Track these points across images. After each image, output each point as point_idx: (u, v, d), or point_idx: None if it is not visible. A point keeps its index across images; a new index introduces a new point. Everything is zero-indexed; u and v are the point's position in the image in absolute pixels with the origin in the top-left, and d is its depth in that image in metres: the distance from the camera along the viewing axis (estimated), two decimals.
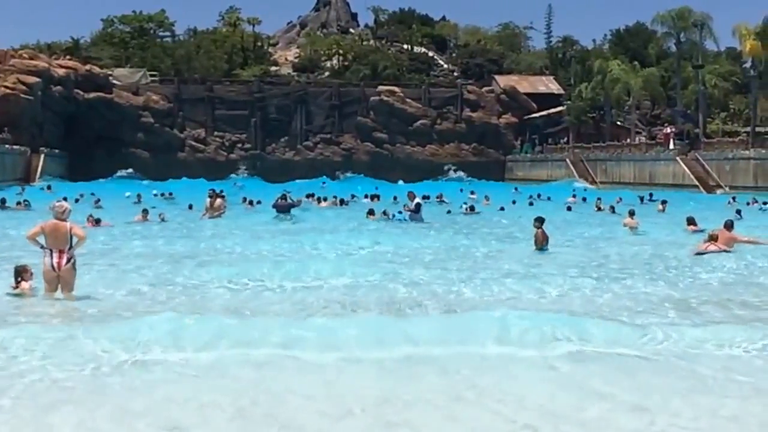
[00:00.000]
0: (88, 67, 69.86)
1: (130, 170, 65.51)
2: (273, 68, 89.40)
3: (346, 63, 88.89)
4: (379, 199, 37.46)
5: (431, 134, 74.41)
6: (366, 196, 39.02)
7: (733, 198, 37.06)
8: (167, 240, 19.54)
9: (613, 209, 30.46)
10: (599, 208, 31.75)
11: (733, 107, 69.09)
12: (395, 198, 37.29)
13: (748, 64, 61.68)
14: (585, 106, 68.57)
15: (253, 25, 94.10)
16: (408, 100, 74.56)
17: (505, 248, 18.16)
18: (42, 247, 10.80)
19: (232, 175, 67.07)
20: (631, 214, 24.07)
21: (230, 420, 6.14)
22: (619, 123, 70.77)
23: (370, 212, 26.69)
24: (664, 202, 31.65)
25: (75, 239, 10.83)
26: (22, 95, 58.88)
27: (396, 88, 75.11)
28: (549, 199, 40.77)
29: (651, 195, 38.93)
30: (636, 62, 67.71)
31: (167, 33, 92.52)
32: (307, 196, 36.77)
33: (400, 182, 63.19)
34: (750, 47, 52.20)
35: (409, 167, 70.38)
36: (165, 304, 10.84)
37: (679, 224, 22.97)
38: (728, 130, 63.68)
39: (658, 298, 11.50)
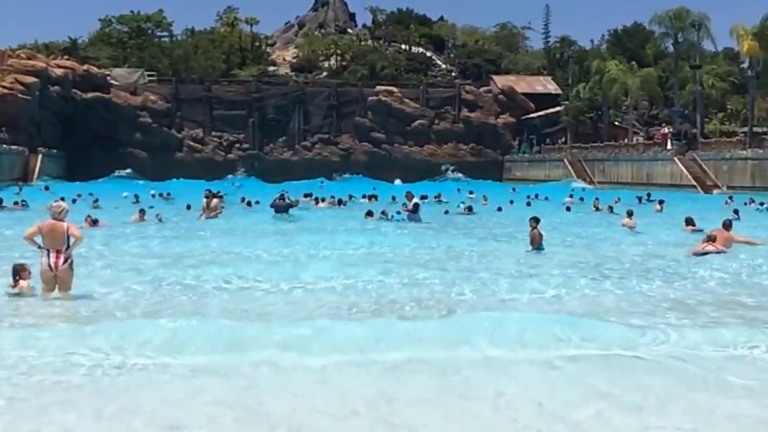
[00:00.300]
0: (85, 67, 69.87)
1: (129, 170, 65.51)
2: (271, 68, 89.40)
3: (344, 63, 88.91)
4: (376, 200, 37.47)
5: (429, 134, 74.45)
6: (364, 197, 39.04)
7: (730, 197, 37.11)
8: (164, 240, 19.51)
9: (611, 209, 30.51)
10: (597, 208, 31.78)
11: (730, 107, 69.16)
12: (393, 198, 37.32)
13: (745, 65, 61.82)
14: (583, 106, 68.65)
15: (251, 25, 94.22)
16: (406, 100, 74.60)
17: (502, 248, 18.17)
18: (39, 247, 10.79)
19: (229, 176, 67.06)
20: (630, 214, 24.09)
21: (231, 420, 6.13)
22: (616, 123, 70.85)
23: (369, 213, 26.70)
24: (661, 202, 31.69)
25: (72, 239, 10.82)
26: (20, 95, 58.85)
27: (394, 88, 75.14)
28: (547, 199, 40.80)
29: (649, 195, 38.98)
30: (634, 62, 67.79)
31: (165, 33, 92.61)
32: (305, 196, 36.80)
33: (397, 182, 63.19)
34: (747, 47, 52.29)
35: (407, 167, 70.44)
36: (161, 305, 10.84)
37: (677, 224, 22.99)
38: (726, 130, 63.75)
39: (656, 298, 11.50)
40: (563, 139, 70.18)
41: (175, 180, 58.38)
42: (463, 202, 35.03)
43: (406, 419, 6.12)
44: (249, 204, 33.74)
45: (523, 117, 75.45)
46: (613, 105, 68.66)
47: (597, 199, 34.14)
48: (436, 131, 74.66)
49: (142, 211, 25.84)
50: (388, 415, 6.21)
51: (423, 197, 33.81)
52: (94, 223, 22.64)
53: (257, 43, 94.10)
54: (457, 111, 75.40)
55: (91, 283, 11.99)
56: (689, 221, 21.93)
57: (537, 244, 17.13)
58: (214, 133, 72.58)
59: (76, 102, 66.05)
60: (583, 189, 51.06)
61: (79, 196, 37.88)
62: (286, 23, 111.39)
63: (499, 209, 31.91)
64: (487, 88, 78.77)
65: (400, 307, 10.82)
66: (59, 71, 65.66)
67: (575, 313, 10.24)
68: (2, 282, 11.40)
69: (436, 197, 39.29)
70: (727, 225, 17.81)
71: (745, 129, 55.71)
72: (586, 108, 69.21)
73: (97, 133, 66.27)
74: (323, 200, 35.49)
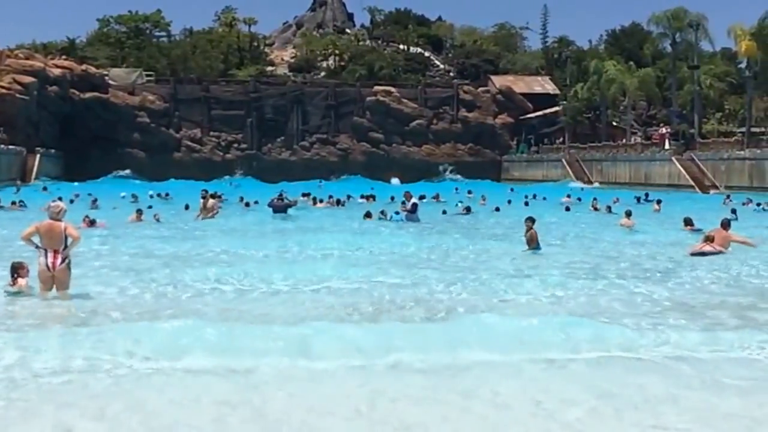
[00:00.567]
0: (84, 67, 69.85)
1: (127, 170, 65.47)
2: (269, 68, 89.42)
3: (343, 63, 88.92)
4: (374, 200, 37.48)
5: (427, 134, 74.48)
6: (362, 197, 39.05)
7: (728, 197, 37.15)
8: (162, 240, 19.48)
9: (609, 209, 30.51)
10: (595, 208, 31.79)
11: (728, 107, 69.22)
12: (392, 198, 37.33)
13: (743, 65, 61.76)
14: (581, 106, 68.72)
15: (249, 25, 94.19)
16: (404, 100, 74.61)
17: (501, 248, 18.16)
18: (37, 247, 10.78)
19: (227, 176, 66.98)
20: (628, 214, 24.10)
21: (231, 421, 6.12)
22: (614, 123, 70.90)
23: (367, 215, 26.67)
24: (659, 202, 31.72)
25: (70, 239, 10.81)
26: (18, 95, 58.84)
27: (392, 89, 75.17)
28: (545, 199, 40.82)
29: (647, 195, 39.01)
30: (632, 62, 67.88)
31: (163, 33, 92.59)
32: (303, 196, 36.79)
33: (394, 181, 63.12)
34: (745, 48, 52.36)
35: (405, 167, 70.42)
36: (160, 305, 10.83)
37: (675, 224, 23.01)
38: (723, 130, 63.83)
39: (654, 298, 11.50)
40: (561, 139, 70.22)
41: (173, 180, 58.33)
42: (461, 202, 35.05)
43: (405, 419, 6.12)
44: (247, 204, 33.73)
45: (521, 117, 75.49)
46: (611, 105, 68.71)
47: (595, 199, 34.16)
48: (434, 131, 74.70)
49: (140, 212, 25.80)
50: (388, 415, 6.22)
51: (421, 197, 33.84)
52: (92, 223, 22.60)
53: (255, 43, 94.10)
54: (455, 111, 75.43)
55: (89, 283, 11.98)
56: (687, 221, 21.95)
57: (534, 244, 17.15)
58: (212, 133, 72.55)
59: (74, 102, 66.02)
60: (581, 189, 51.10)
61: (77, 196, 37.87)
62: (285, 23, 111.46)
63: (497, 209, 31.92)
64: (485, 88, 78.81)
65: (399, 307, 10.81)
66: (57, 71, 65.62)
67: (573, 313, 10.25)
68: (0, 283, 11.39)
69: (434, 197, 39.32)
70: (726, 225, 17.80)
71: (743, 129, 55.78)
72: (584, 108, 69.28)
73: (95, 133, 66.23)
74: (321, 200, 35.48)
